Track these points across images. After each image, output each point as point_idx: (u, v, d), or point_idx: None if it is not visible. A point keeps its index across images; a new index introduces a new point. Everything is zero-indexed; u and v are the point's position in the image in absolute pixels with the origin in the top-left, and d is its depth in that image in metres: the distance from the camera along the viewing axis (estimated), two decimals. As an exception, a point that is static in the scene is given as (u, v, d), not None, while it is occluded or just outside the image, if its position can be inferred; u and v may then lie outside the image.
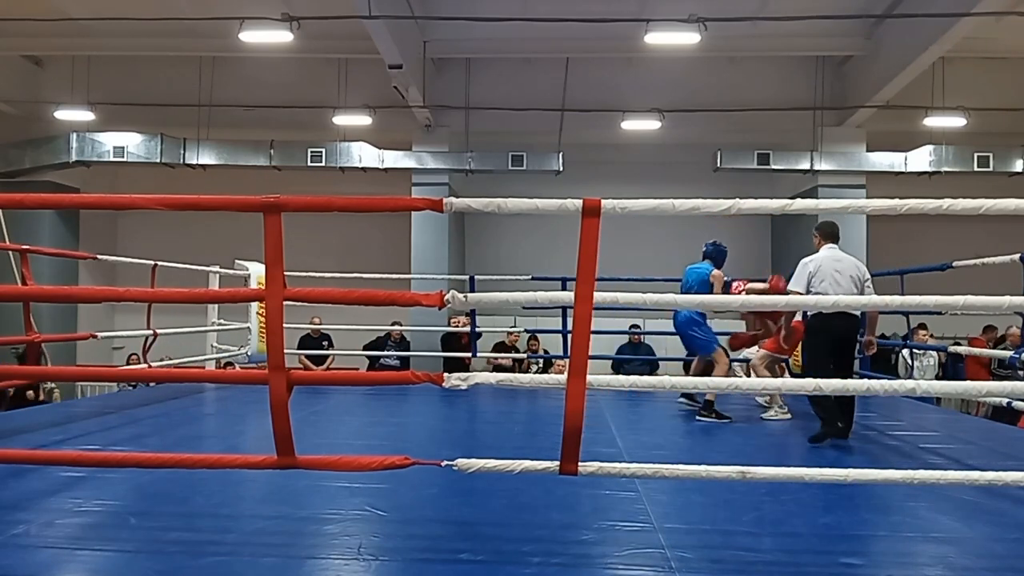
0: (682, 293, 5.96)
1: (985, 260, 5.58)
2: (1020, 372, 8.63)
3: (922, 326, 8.90)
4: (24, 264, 5.10)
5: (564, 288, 7.26)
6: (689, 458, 3.82)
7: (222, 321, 8.40)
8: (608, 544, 2.86)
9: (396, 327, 10.13)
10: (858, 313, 5.11)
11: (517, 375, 3.07)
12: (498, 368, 9.65)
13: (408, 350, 10.20)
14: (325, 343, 10.02)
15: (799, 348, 5.81)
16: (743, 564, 2.69)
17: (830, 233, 5.19)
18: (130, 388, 9.04)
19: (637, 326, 10.52)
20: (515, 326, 10.51)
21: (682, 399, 6.48)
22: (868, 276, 5.02)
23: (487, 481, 3.12)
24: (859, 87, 11.08)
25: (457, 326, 9.68)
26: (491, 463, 2.74)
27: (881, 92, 10.41)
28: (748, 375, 7.66)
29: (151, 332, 6.60)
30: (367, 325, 9.40)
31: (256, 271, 7.69)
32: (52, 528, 2.94)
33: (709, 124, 11.48)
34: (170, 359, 8.17)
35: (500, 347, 10.17)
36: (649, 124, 11.57)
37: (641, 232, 12.16)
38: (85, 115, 11.61)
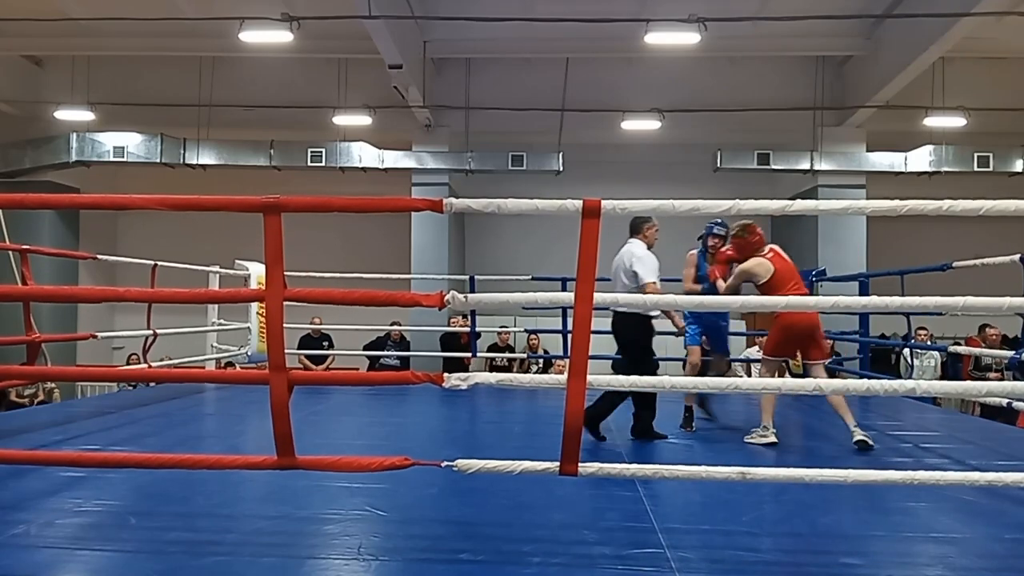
0: None
1: (985, 261, 5.57)
2: (991, 374, 8.64)
3: (921, 328, 8.87)
4: (24, 264, 5.10)
5: (564, 288, 7.26)
6: (689, 458, 3.81)
7: (222, 321, 8.40)
8: (608, 544, 2.86)
9: (396, 327, 10.12)
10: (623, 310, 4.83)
11: (517, 375, 3.07)
12: (499, 368, 9.64)
13: (408, 350, 10.19)
14: (325, 343, 10.02)
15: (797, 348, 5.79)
16: (743, 564, 2.69)
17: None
18: (130, 388, 9.03)
19: (637, 326, 10.49)
20: (514, 326, 10.48)
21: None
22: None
23: (487, 481, 3.12)
24: (859, 87, 11.09)
25: (456, 326, 9.67)
26: (491, 464, 2.73)
27: (881, 92, 10.42)
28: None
29: (151, 332, 6.60)
30: (367, 325, 9.40)
31: (256, 271, 7.69)
32: (52, 528, 2.94)
33: (709, 124, 11.47)
34: (170, 359, 8.18)
35: (494, 347, 10.15)
36: (649, 124, 11.57)
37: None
38: (85, 115, 11.61)
